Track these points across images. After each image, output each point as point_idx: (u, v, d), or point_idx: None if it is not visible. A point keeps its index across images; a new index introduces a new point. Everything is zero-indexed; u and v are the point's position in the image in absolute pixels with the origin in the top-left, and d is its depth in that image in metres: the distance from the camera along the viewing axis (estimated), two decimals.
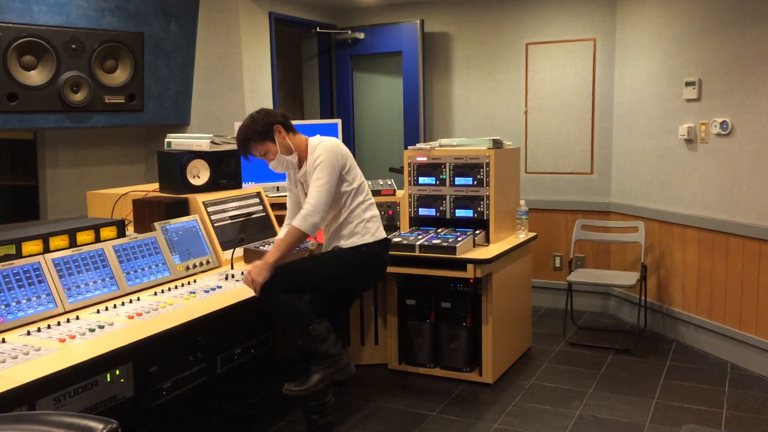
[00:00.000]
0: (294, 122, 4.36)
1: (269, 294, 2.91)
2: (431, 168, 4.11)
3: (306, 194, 3.06)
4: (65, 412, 2.60)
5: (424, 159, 4.12)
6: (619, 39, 5.04)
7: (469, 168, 4.00)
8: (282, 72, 6.14)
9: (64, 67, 4.10)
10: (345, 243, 3.10)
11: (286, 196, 4.29)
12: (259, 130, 3.02)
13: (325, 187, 2.95)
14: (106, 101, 4.36)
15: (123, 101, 4.45)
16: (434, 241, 3.80)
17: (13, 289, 2.56)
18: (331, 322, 3.04)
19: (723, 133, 4.12)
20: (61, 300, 2.68)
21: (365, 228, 3.11)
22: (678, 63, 4.45)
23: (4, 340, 2.34)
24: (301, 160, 3.10)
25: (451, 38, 5.62)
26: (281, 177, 4.33)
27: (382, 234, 3.18)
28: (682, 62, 4.42)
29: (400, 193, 4.31)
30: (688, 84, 4.34)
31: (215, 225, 3.51)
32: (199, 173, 3.68)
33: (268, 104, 5.12)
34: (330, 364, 3.00)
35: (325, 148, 3.01)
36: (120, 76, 4.43)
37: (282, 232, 3.14)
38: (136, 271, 3.01)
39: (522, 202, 4.31)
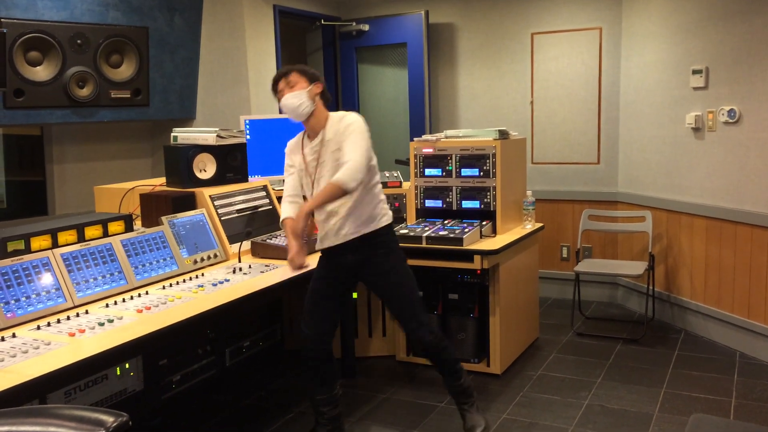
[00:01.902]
0: None
1: (440, 341, 3.04)
2: (437, 159, 4.10)
3: (311, 172, 2.94)
4: (76, 405, 2.62)
5: (430, 150, 4.12)
6: (625, 28, 5.01)
7: (476, 159, 3.99)
8: (287, 65, 6.13)
9: (69, 63, 4.11)
10: (374, 225, 2.97)
11: None
12: (307, 70, 3.01)
13: (364, 147, 2.83)
14: (112, 96, 4.37)
15: (129, 96, 4.45)
16: (441, 233, 3.80)
17: (23, 284, 2.57)
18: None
19: (731, 121, 4.10)
20: (71, 294, 2.69)
21: (384, 209, 3.04)
22: (685, 51, 4.42)
23: (14, 335, 2.36)
24: (315, 131, 2.98)
25: (456, 29, 5.60)
26: None
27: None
28: (688, 50, 4.39)
29: (406, 184, 4.31)
30: (695, 72, 4.32)
31: (222, 219, 3.52)
32: (205, 167, 3.69)
33: (274, 98, 5.11)
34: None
35: (356, 116, 2.95)
36: (125, 70, 4.43)
37: (286, 211, 2.99)
38: (144, 265, 3.02)
39: (528, 192, 4.30)
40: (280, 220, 3.01)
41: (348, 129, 2.88)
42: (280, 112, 3.17)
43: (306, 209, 2.81)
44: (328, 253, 3.03)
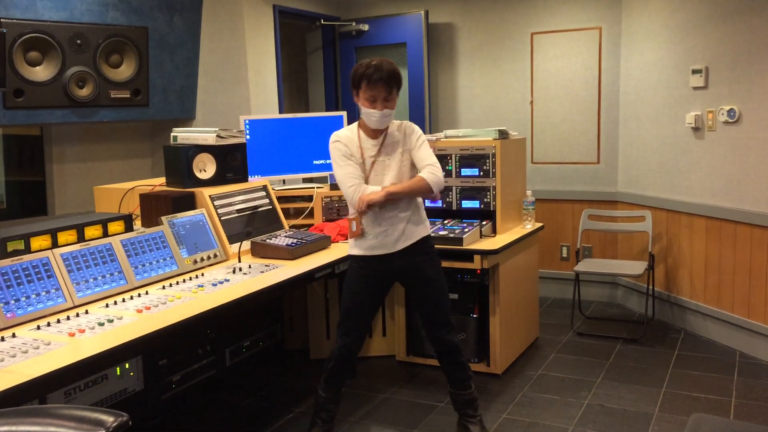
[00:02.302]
0: (298, 115, 4.39)
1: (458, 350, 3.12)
2: (437, 159, 4.09)
3: (367, 167, 2.96)
4: (76, 405, 2.62)
5: None
6: (624, 27, 5.01)
7: (475, 159, 3.99)
8: (286, 65, 6.13)
9: (69, 63, 4.11)
10: (424, 231, 3.07)
11: (291, 189, 4.31)
12: (400, 81, 3.04)
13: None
14: (112, 96, 4.37)
15: (128, 96, 4.45)
16: (441, 233, 3.80)
17: (23, 284, 2.57)
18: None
19: (730, 120, 4.10)
20: (70, 294, 2.69)
21: (425, 215, 3.14)
22: (684, 51, 4.42)
23: (14, 335, 2.35)
24: (377, 132, 2.99)
25: (456, 29, 5.60)
26: (286, 170, 4.33)
27: None
28: (688, 50, 4.39)
29: None
30: (694, 72, 4.32)
31: (222, 218, 3.52)
32: (205, 167, 3.69)
33: (274, 97, 5.13)
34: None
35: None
36: (125, 71, 4.43)
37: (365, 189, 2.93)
38: (144, 265, 3.02)
39: (528, 192, 4.30)
40: (358, 196, 2.90)
41: (420, 137, 3.03)
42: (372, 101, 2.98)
43: (391, 190, 2.88)
44: (373, 260, 3.01)
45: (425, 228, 3.07)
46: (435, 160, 2.99)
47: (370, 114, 2.92)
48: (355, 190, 2.92)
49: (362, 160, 2.98)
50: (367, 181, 2.96)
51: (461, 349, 3.16)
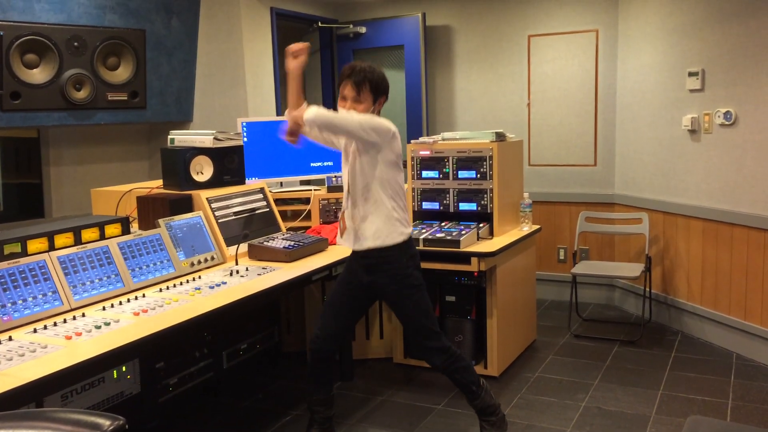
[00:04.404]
0: None
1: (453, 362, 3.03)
2: (434, 162, 4.11)
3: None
4: (72, 409, 2.62)
5: (427, 153, 4.12)
6: (621, 30, 5.02)
7: (473, 161, 4.00)
8: (284, 67, 6.13)
9: (66, 65, 4.11)
10: (378, 240, 2.99)
11: (288, 191, 4.31)
12: (377, 83, 2.93)
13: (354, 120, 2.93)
14: (109, 99, 4.37)
15: (126, 98, 4.45)
16: (438, 235, 3.80)
17: (19, 287, 2.57)
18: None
19: (727, 123, 4.11)
20: (67, 297, 2.69)
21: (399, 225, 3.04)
22: (681, 53, 4.43)
23: (11, 338, 2.35)
24: None
25: (453, 31, 5.61)
26: (283, 172, 4.33)
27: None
28: (685, 52, 4.40)
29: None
30: (691, 74, 4.33)
31: (219, 221, 3.52)
32: (202, 169, 3.69)
33: (271, 100, 5.13)
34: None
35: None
36: (122, 73, 4.43)
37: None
38: (141, 268, 3.02)
39: (525, 194, 4.30)
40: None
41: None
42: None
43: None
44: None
45: (380, 238, 2.88)
46: (343, 113, 2.84)
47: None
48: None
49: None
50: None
51: (452, 367, 3.03)
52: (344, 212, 2.98)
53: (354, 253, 3.00)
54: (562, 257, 5.40)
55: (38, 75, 4.03)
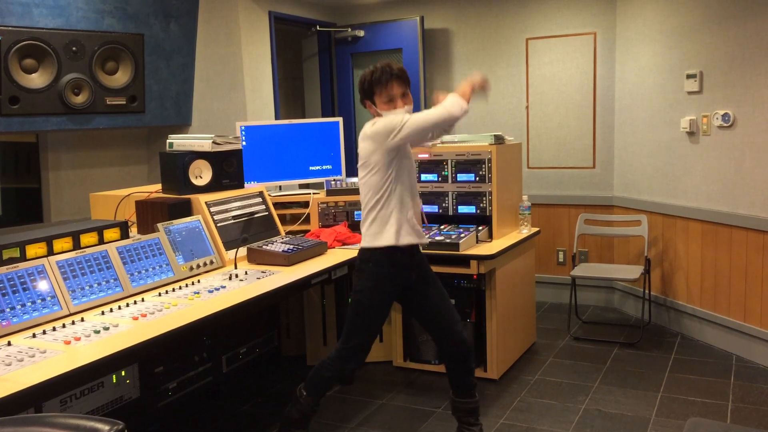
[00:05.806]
0: (294, 121, 4.39)
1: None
2: (433, 165, 4.11)
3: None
4: (72, 414, 2.62)
5: (425, 156, 4.12)
6: (619, 32, 5.03)
7: (471, 164, 4.00)
8: (282, 71, 6.14)
9: (65, 70, 4.11)
10: (363, 240, 3.00)
11: (287, 195, 4.31)
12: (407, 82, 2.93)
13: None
14: (108, 103, 4.37)
15: (124, 103, 4.45)
16: (437, 238, 3.80)
17: (18, 292, 2.56)
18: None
19: (725, 125, 4.11)
20: (66, 302, 2.68)
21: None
22: (679, 55, 4.44)
23: (9, 343, 2.35)
24: None
25: (451, 34, 5.61)
26: (282, 176, 4.33)
27: None
28: (683, 54, 4.40)
29: None
30: (689, 76, 4.33)
31: (218, 225, 3.51)
32: (201, 173, 3.69)
33: (270, 103, 5.13)
34: None
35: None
36: (121, 77, 4.43)
37: None
38: (140, 272, 3.02)
39: (524, 197, 4.30)
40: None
41: (379, 123, 2.89)
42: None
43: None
44: (396, 255, 2.87)
45: (365, 239, 2.90)
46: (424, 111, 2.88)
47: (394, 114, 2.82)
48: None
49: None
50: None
51: (322, 383, 2.97)
52: (410, 211, 2.88)
53: (412, 247, 2.91)
54: (561, 259, 5.40)
55: (37, 80, 4.03)
